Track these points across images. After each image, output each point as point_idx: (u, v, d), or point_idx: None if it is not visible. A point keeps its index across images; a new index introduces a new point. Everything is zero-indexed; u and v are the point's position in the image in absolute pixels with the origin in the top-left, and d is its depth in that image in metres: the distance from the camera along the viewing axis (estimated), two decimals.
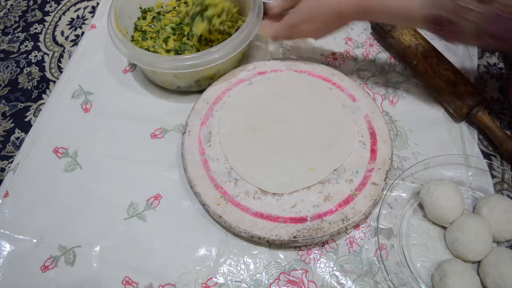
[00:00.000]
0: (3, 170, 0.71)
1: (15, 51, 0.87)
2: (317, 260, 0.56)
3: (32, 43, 0.88)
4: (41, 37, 0.89)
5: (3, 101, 0.80)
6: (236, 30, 0.71)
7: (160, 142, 0.68)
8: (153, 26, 0.73)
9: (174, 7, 0.76)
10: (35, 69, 0.84)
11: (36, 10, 0.95)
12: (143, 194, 0.62)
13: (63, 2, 0.95)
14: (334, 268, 0.55)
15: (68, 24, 0.91)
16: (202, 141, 0.63)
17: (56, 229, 0.60)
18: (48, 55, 0.86)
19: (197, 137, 0.64)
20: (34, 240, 0.59)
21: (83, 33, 0.87)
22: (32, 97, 0.80)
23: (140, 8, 0.77)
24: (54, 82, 0.81)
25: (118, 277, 0.56)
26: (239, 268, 0.56)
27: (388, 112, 0.68)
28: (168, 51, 0.70)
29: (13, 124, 0.77)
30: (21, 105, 0.79)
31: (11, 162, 0.70)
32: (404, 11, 0.54)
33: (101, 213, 0.61)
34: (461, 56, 0.74)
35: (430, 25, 0.52)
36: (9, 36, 0.90)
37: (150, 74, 0.71)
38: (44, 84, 0.81)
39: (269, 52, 0.78)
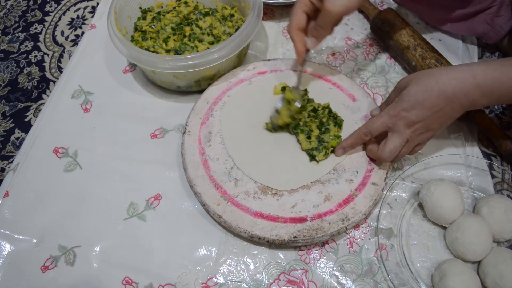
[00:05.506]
0: (3, 170, 0.71)
1: (15, 51, 0.87)
2: (317, 260, 0.56)
3: (32, 43, 0.88)
4: (41, 37, 0.89)
5: (3, 101, 0.80)
6: (236, 30, 0.71)
7: (160, 142, 0.68)
8: (153, 26, 0.73)
9: (174, 7, 0.76)
10: (35, 69, 0.84)
11: (36, 10, 0.94)
12: (143, 194, 0.62)
13: (63, 2, 0.95)
14: (334, 268, 0.55)
15: (68, 24, 0.91)
16: (202, 141, 0.63)
17: (56, 229, 0.60)
18: (48, 55, 0.86)
19: (197, 137, 0.64)
20: (34, 240, 0.59)
21: (83, 33, 0.87)
22: (32, 97, 0.80)
23: (140, 8, 0.77)
24: (54, 82, 0.81)
25: (118, 277, 0.56)
26: (239, 268, 0.56)
27: None
28: (168, 51, 0.70)
29: (13, 124, 0.77)
30: (21, 105, 0.79)
31: (11, 162, 0.70)
32: None
33: (101, 213, 0.61)
34: (461, 56, 0.74)
35: None
36: (9, 36, 0.90)
37: (150, 74, 0.71)
38: (44, 84, 0.81)
39: (269, 51, 0.78)
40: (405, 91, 0.54)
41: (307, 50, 0.62)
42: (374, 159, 0.60)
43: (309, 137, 0.61)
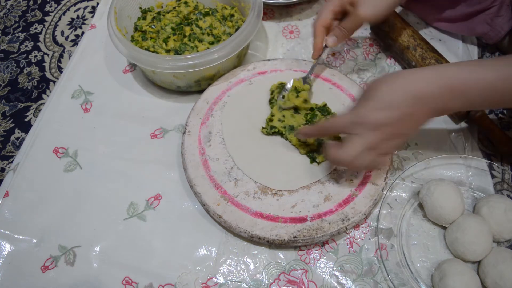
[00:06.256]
0: (3, 170, 0.71)
1: (15, 51, 0.87)
2: (317, 260, 0.56)
3: (32, 43, 0.88)
4: (41, 37, 0.89)
5: (3, 101, 0.80)
6: (236, 30, 0.71)
7: (160, 142, 0.68)
8: (153, 26, 0.73)
9: (174, 7, 0.76)
10: (35, 69, 0.84)
11: (36, 10, 0.94)
12: (143, 194, 0.62)
13: (63, 2, 0.95)
14: (334, 268, 0.55)
15: (68, 24, 0.91)
16: (202, 141, 0.63)
17: (56, 229, 0.60)
18: (48, 55, 0.86)
19: (197, 137, 0.64)
20: (34, 240, 0.59)
21: (83, 33, 0.87)
22: (32, 97, 0.80)
23: (140, 8, 0.77)
24: (54, 82, 0.81)
25: (118, 277, 0.56)
26: (239, 268, 0.56)
27: None
28: (168, 51, 0.70)
29: (13, 124, 0.77)
30: (21, 105, 0.79)
31: (11, 162, 0.70)
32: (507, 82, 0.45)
33: (101, 213, 0.61)
34: (461, 56, 0.74)
35: None
36: (9, 36, 0.90)
37: (150, 74, 0.71)
38: (44, 84, 0.81)
39: (269, 51, 0.78)
40: (372, 91, 0.49)
41: (325, 47, 0.64)
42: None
43: (304, 141, 0.61)
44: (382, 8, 0.61)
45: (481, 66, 0.47)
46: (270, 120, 0.64)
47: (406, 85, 0.48)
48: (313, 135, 0.58)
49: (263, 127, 0.64)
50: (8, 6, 0.96)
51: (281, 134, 0.63)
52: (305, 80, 0.66)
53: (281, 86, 0.67)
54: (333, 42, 0.62)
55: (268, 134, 0.64)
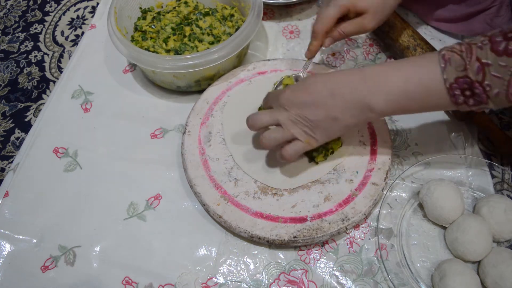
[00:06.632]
0: (3, 170, 0.71)
1: (15, 51, 0.87)
2: (317, 260, 0.56)
3: (32, 43, 0.88)
4: (41, 37, 0.89)
5: (3, 101, 0.80)
6: (236, 30, 0.71)
7: (160, 142, 0.68)
8: (153, 26, 0.73)
9: (174, 7, 0.76)
10: (35, 69, 0.84)
11: (36, 10, 0.95)
12: (143, 194, 0.62)
13: (63, 2, 0.95)
14: (334, 268, 0.55)
15: (68, 24, 0.91)
16: (202, 141, 0.63)
17: (56, 229, 0.60)
18: (48, 55, 0.86)
19: (197, 137, 0.64)
20: (34, 240, 0.59)
21: (83, 33, 0.87)
22: (32, 97, 0.80)
23: (140, 8, 0.77)
24: (54, 82, 0.81)
25: (118, 277, 0.56)
26: (239, 268, 0.56)
27: None
28: (168, 51, 0.70)
29: (13, 124, 0.77)
30: (21, 105, 0.79)
31: (11, 162, 0.70)
32: (424, 84, 0.45)
33: (101, 213, 0.61)
34: None
35: (456, 94, 0.43)
36: (9, 36, 0.90)
37: (150, 74, 0.71)
38: (44, 84, 0.81)
39: (269, 51, 0.78)
40: (301, 80, 0.54)
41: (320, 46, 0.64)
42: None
43: None
44: (385, 16, 0.61)
45: (397, 62, 0.48)
46: None
47: (327, 78, 0.50)
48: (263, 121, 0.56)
49: (260, 107, 0.64)
50: (8, 6, 0.96)
51: None
52: (297, 79, 0.66)
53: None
54: (329, 43, 0.62)
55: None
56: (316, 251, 0.57)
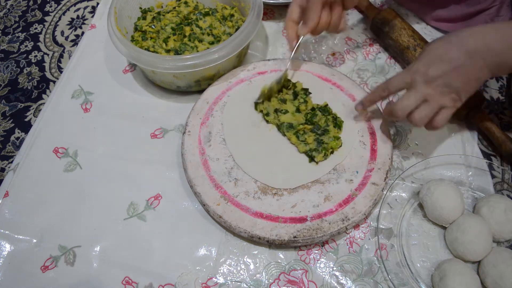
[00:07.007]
0: (3, 170, 0.71)
1: (15, 51, 0.87)
2: (317, 260, 0.56)
3: (32, 43, 0.88)
4: (41, 37, 0.89)
5: (3, 101, 0.80)
6: (236, 30, 0.71)
7: (160, 142, 0.68)
8: (153, 26, 0.73)
9: (174, 7, 0.76)
10: (35, 69, 0.84)
11: (36, 10, 0.95)
12: (143, 194, 0.62)
13: (63, 2, 0.95)
14: (334, 268, 0.55)
15: (68, 24, 0.91)
16: (202, 141, 0.63)
17: (56, 229, 0.60)
18: (48, 55, 0.86)
19: (197, 137, 0.64)
20: (34, 240, 0.59)
21: (83, 33, 0.87)
22: (32, 97, 0.80)
23: (140, 8, 0.77)
24: (54, 82, 0.81)
25: (118, 277, 0.56)
26: (239, 268, 0.56)
27: None
28: (168, 51, 0.70)
29: (13, 124, 0.77)
30: (21, 105, 0.79)
31: (11, 162, 0.70)
32: None
33: (101, 213, 0.61)
34: None
35: None
36: (9, 36, 0.90)
37: (150, 74, 0.71)
38: (44, 84, 0.81)
39: (269, 51, 0.78)
40: (427, 49, 0.52)
41: (298, 37, 0.64)
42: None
43: (303, 140, 0.61)
44: None
45: None
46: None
47: (460, 41, 0.50)
48: (373, 100, 0.60)
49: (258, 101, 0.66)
50: (8, 6, 0.96)
51: (278, 126, 0.64)
52: (278, 81, 0.66)
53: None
54: (304, 30, 0.61)
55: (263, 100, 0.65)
56: (316, 251, 0.57)
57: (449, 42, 0.50)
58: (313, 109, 0.64)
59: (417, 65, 0.52)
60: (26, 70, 0.84)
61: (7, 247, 0.59)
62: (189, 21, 0.73)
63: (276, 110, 0.65)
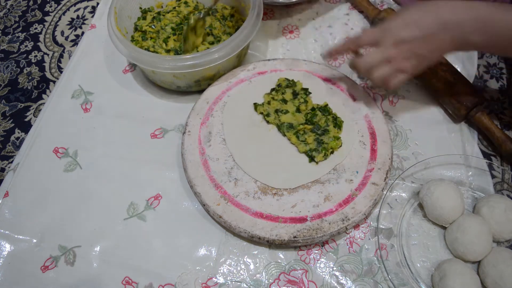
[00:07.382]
0: (3, 170, 0.71)
1: (15, 51, 0.87)
2: (317, 260, 0.56)
3: (32, 43, 0.88)
4: (41, 37, 0.89)
5: (3, 101, 0.80)
6: (236, 30, 0.71)
7: (160, 142, 0.68)
8: (153, 26, 0.73)
9: (174, 7, 0.76)
10: (35, 69, 0.84)
11: (36, 10, 0.94)
12: (143, 194, 0.62)
13: (63, 2, 0.95)
14: (334, 268, 0.55)
15: (68, 24, 0.91)
16: (202, 141, 0.63)
17: (56, 229, 0.60)
18: (48, 55, 0.86)
19: (197, 137, 0.64)
20: (34, 240, 0.59)
21: (83, 33, 0.87)
22: (32, 97, 0.80)
23: (140, 8, 0.77)
24: (54, 82, 0.81)
25: (118, 277, 0.56)
26: (239, 268, 0.56)
27: (388, 112, 0.68)
28: (168, 51, 0.70)
29: (13, 124, 0.77)
30: (21, 105, 0.79)
31: (11, 162, 0.70)
32: None
33: (101, 213, 0.61)
34: (461, 56, 0.74)
35: None
36: (9, 36, 0.90)
37: (150, 74, 0.71)
38: (44, 84, 0.81)
39: (269, 51, 0.78)
40: (404, 10, 0.53)
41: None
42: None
43: (303, 140, 0.61)
44: None
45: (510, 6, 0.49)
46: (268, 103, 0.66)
47: (436, 10, 0.50)
48: (340, 51, 0.61)
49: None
50: (8, 6, 0.96)
51: (278, 126, 0.64)
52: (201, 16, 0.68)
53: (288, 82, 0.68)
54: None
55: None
56: (316, 251, 0.57)
57: (427, 11, 0.51)
58: (313, 109, 0.64)
59: (390, 25, 0.53)
60: (26, 70, 0.84)
61: (7, 247, 0.59)
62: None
63: (276, 110, 0.65)
